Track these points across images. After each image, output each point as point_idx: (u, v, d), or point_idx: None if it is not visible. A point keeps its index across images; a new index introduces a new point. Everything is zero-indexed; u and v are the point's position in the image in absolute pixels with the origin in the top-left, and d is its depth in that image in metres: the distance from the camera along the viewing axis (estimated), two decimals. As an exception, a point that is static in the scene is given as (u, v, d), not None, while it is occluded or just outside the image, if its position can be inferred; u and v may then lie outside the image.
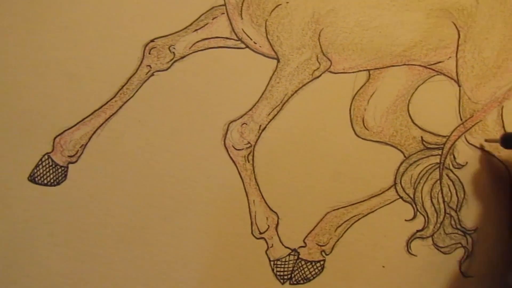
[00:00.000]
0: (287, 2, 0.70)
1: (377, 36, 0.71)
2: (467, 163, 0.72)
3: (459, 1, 0.71)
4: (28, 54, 0.68)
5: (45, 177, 0.69)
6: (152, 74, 0.69)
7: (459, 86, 0.71)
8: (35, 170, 0.69)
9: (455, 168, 0.73)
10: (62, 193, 0.69)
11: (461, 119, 0.72)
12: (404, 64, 0.71)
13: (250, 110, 0.70)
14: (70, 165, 0.69)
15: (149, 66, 0.70)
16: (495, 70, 0.72)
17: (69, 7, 0.69)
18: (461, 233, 0.73)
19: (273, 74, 0.70)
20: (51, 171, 0.69)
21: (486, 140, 0.72)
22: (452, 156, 0.72)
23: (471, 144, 0.72)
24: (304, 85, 0.70)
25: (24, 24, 0.68)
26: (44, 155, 0.69)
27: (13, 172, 0.68)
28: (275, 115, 0.70)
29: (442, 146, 0.72)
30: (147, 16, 0.69)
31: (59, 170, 0.69)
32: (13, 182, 0.68)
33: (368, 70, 0.71)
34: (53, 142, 0.69)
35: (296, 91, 0.70)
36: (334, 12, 0.71)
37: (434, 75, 0.71)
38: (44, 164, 0.69)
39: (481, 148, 0.73)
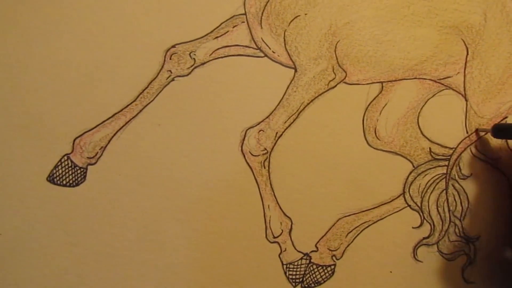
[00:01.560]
0: (306, 14, 0.73)
1: (391, 50, 0.74)
2: (471, 174, 0.75)
3: (468, 20, 0.75)
4: (51, 56, 0.69)
5: (64, 178, 0.69)
6: (173, 79, 0.71)
7: (466, 100, 0.75)
8: (54, 171, 0.69)
9: (461, 178, 0.76)
10: (81, 194, 0.69)
11: (467, 132, 0.75)
12: (415, 78, 0.74)
13: (267, 117, 0.72)
14: (89, 167, 0.70)
15: (170, 71, 0.71)
16: (500, 86, 0.76)
17: (93, 11, 0.70)
18: (464, 241, 0.77)
19: (290, 83, 0.72)
20: (70, 172, 0.69)
21: (478, 130, 0.76)
22: (458, 167, 0.75)
23: (475, 156, 0.76)
24: (320, 94, 0.73)
25: (47, 26, 0.69)
26: (63, 156, 0.69)
27: (33, 172, 0.68)
28: (291, 123, 0.72)
29: (449, 157, 0.75)
30: (169, 22, 0.71)
31: (78, 171, 0.70)
32: (32, 182, 0.68)
33: (381, 82, 0.74)
34: (73, 144, 0.69)
35: (312, 100, 0.72)
36: (350, 25, 0.73)
37: (443, 89, 0.75)
38: (63, 165, 0.69)
39: (476, 133, 0.76)
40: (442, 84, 0.75)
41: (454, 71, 0.75)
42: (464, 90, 0.75)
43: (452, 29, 0.75)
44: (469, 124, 0.76)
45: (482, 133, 0.75)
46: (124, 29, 0.70)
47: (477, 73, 0.75)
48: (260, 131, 0.73)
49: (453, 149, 0.75)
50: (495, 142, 0.76)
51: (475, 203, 0.76)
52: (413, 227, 0.75)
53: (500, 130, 0.72)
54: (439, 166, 0.76)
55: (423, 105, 0.75)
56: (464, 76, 0.75)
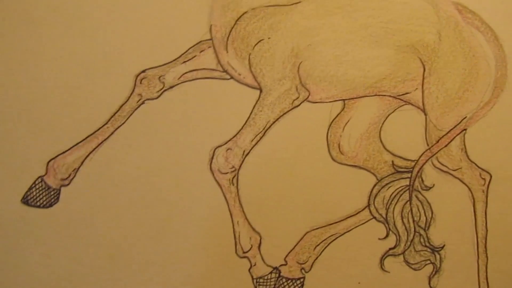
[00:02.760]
0: (269, 38, 0.76)
1: (351, 69, 0.77)
2: (434, 185, 0.78)
3: (424, 39, 0.78)
4: (24, 80, 0.72)
5: (38, 199, 0.72)
6: (143, 102, 0.74)
7: (425, 114, 0.77)
8: (29, 193, 0.72)
9: (423, 190, 0.78)
10: (55, 215, 0.72)
11: (427, 145, 0.78)
12: (376, 95, 0.77)
13: (234, 136, 0.75)
14: (62, 188, 0.72)
15: (140, 95, 0.75)
16: (457, 101, 0.78)
17: (66, 37, 0.73)
18: (429, 250, 0.79)
19: (256, 103, 0.75)
20: (44, 194, 0.72)
21: None
22: (420, 179, 0.78)
23: (437, 167, 0.78)
24: (285, 113, 0.75)
25: (21, 52, 0.73)
26: (37, 178, 0.72)
27: (7, 194, 0.71)
28: (258, 141, 0.75)
29: (411, 169, 0.77)
30: (139, 48, 0.74)
31: (52, 193, 0.72)
32: (7, 204, 0.71)
33: (343, 100, 0.77)
34: (47, 166, 0.72)
35: (277, 119, 0.75)
36: (312, 47, 0.76)
37: (403, 105, 0.77)
38: (37, 186, 0.72)
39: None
40: (402, 99, 0.78)
41: (412, 87, 0.78)
42: (423, 105, 0.78)
43: (409, 48, 0.78)
44: (429, 137, 0.78)
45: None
46: (96, 55, 0.74)
47: (435, 89, 0.78)
48: (228, 149, 0.76)
49: (415, 161, 0.78)
50: (455, 153, 0.79)
51: (439, 213, 0.78)
52: (379, 239, 0.77)
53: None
54: (402, 178, 0.78)
55: (384, 120, 0.78)
56: (422, 91, 0.78)
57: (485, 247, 0.79)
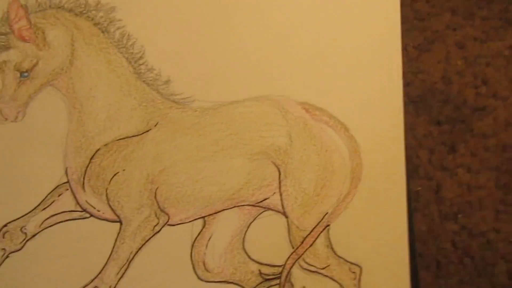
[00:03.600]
0: (124, 170, 0.78)
1: (207, 185, 0.77)
2: (304, 287, 0.78)
3: (275, 143, 0.78)
4: None
5: None
6: (7, 256, 0.77)
7: (286, 217, 0.77)
8: None
9: (290, 293, 0.79)
10: None
11: (292, 247, 0.77)
12: (235, 206, 0.78)
13: (99, 273, 0.77)
14: None
15: (4, 249, 0.77)
16: (316, 198, 0.78)
17: None
18: None
19: (117, 236, 0.78)
20: None
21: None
22: (290, 283, 0.77)
23: (305, 269, 0.77)
24: (147, 241, 0.76)
25: None
26: None
27: None
28: (123, 273, 0.77)
29: (279, 275, 0.77)
30: None
31: None
32: None
33: (203, 217, 0.78)
34: None
35: (140, 248, 0.76)
36: (166, 171, 0.77)
37: (263, 211, 0.78)
38: None
39: None
40: (261, 206, 0.78)
41: (270, 192, 0.78)
42: (283, 208, 0.77)
43: (261, 155, 0.79)
44: (293, 239, 0.77)
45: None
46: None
47: (292, 190, 0.78)
48: (95, 287, 0.78)
49: (282, 266, 0.78)
50: (321, 251, 0.79)
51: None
52: None
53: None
54: (271, 286, 0.78)
55: (247, 230, 0.78)
56: (280, 195, 0.78)
57: None
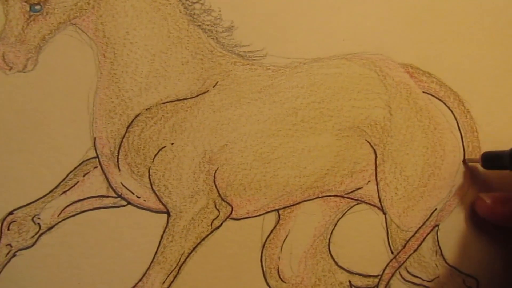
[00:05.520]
0: (172, 143, 0.60)
1: (282, 168, 0.61)
2: (408, 305, 0.64)
3: (371, 116, 0.62)
4: None
5: None
6: (14, 255, 0.58)
7: (384, 213, 0.62)
8: None
9: (383, 312, 0.63)
10: None
11: (392, 253, 0.62)
12: (318, 197, 0.61)
13: (140, 280, 0.58)
14: None
15: (9, 245, 0.58)
16: (422, 189, 0.62)
17: None
18: None
19: (164, 232, 0.60)
20: None
21: (466, 160, 0.62)
22: (388, 299, 0.63)
23: (407, 281, 0.62)
24: (203, 239, 0.60)
25: None
26: None
27: None
28: (172, 281, 0.60)
29: (375, 288, 0.63)
30: (1, 183, 0.58)
31: None
32: None
33: (277, 210, 0.62)
34: None
35: (194, 249, 0.59)
36: (229, 147, 0.61)
37: (354, 205, 0.62)
38: None
39: (464, 164, 0.63)
40: (352, 198, 0.62)
41: (363, 180, 0.62)
42: (380, 201, 0.62)
43: (352, 131, 0.63)
44: (392, 242, 0.62)
45: (471, 164, 0.62)
46: None
47: (392, 178, 0.62)
48: (135, 299, 0.60)
49: (379, 276, 0.62)
50: (428, 258, 0.64)
51: None
52: None
53: (491, 159, 0.59)
54: (365, 302, 0.63)
55: (333, 229, 0.62)
56: (377, 184, 0.62)
57: None
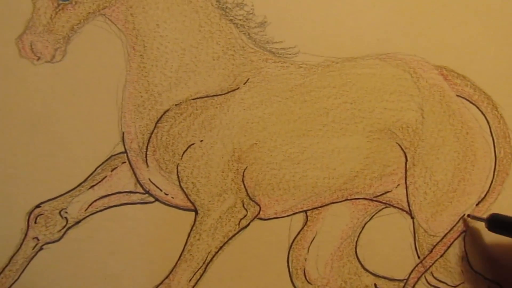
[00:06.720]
0: (201, 140, 0.59)
1: (311, 169, 0.60)
2: (432, 309, 0.63)
3: (402, 118, 0.61)
4: None
5: None
6: (41, 248, 0.58)
7: (412, 218, 0.61)
8: None
9: (417, 317, 0.63)
10: None
11: (418, 257, 0.61)
12: (346, 199, 0.61)
13: (166, 277, 0.58)
14: None
15: (36, 238, 0.58)
16: (451, 195, 0.62)
17: None
18: None
19: (191, 230, 0.59)
20: None
21: (469, 216, 0.62)
22: (414, 304, 0.63)
23: (433, 286, 0.62)
24: (230, 238, 0.59)
25: None
26: None
27: None
28: (198, 279, 0.60)
29: (400, 292, 0.63)
30: (29, 177, 0.58)
31: None
32: None
33: (305, 211, 0.61)
34: None
35: (221, 247, 0.59)
36: (258, 146, 0.60)
37: (382, 208, 0.61)
38: None
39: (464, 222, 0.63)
40: (380, 202, 0.62)
41: (393, 184, 0.62)
42: (409, 205, 0.61)
43: (383, 133, 0.62)
44: (419, 247, 0.61)
45: (470, 222, 0.61)
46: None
47: (422, 182, 0.61)
48: (160, 296, 0.60)
49: (404, 281, 0.61)
50: (454, 264, 0.64)
51: None
52: None
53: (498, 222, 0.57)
54: (390, 306, 0.63)
55: (361, 232, 0.61)
56: (406, 188, 0.62)
57: None
